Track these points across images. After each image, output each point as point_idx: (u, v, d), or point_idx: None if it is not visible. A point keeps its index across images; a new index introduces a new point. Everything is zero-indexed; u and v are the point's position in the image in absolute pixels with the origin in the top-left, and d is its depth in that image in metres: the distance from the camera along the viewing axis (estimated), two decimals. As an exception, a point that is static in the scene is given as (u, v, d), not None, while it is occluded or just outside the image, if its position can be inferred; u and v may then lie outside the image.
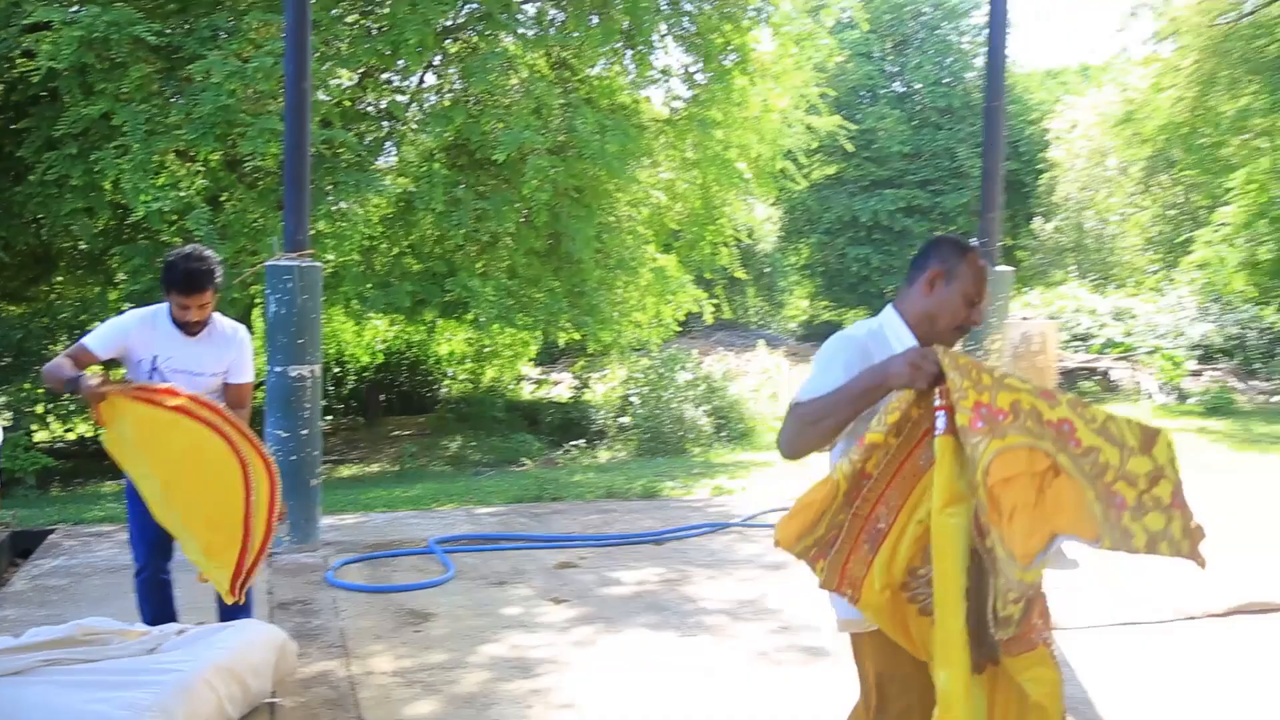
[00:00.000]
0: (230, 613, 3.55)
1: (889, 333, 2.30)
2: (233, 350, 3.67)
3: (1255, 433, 11.73)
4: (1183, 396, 13.77)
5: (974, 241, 8.17)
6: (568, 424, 11.92)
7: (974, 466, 1.99)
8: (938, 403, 2.07)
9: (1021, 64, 28.02)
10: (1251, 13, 15.08)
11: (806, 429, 2.17)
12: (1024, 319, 6.05)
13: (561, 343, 12.48)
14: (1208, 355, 15.73)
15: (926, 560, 2.09)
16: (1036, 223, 24.68)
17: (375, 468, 11.30)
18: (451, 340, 13.56)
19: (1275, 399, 14.68)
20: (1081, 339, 15.63)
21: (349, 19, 9.69)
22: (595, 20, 9.94)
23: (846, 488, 2.11)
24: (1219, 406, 13.42)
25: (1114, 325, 15.96)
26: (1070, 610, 4.37)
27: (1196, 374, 15.12)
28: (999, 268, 7.36)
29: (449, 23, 9.89)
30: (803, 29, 11.92)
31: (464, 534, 6.07)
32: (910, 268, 2.36)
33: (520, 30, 10.10)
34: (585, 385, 13.90)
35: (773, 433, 11.47)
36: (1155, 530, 1.90)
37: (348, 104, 9.79)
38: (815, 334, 25.29)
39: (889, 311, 2.35)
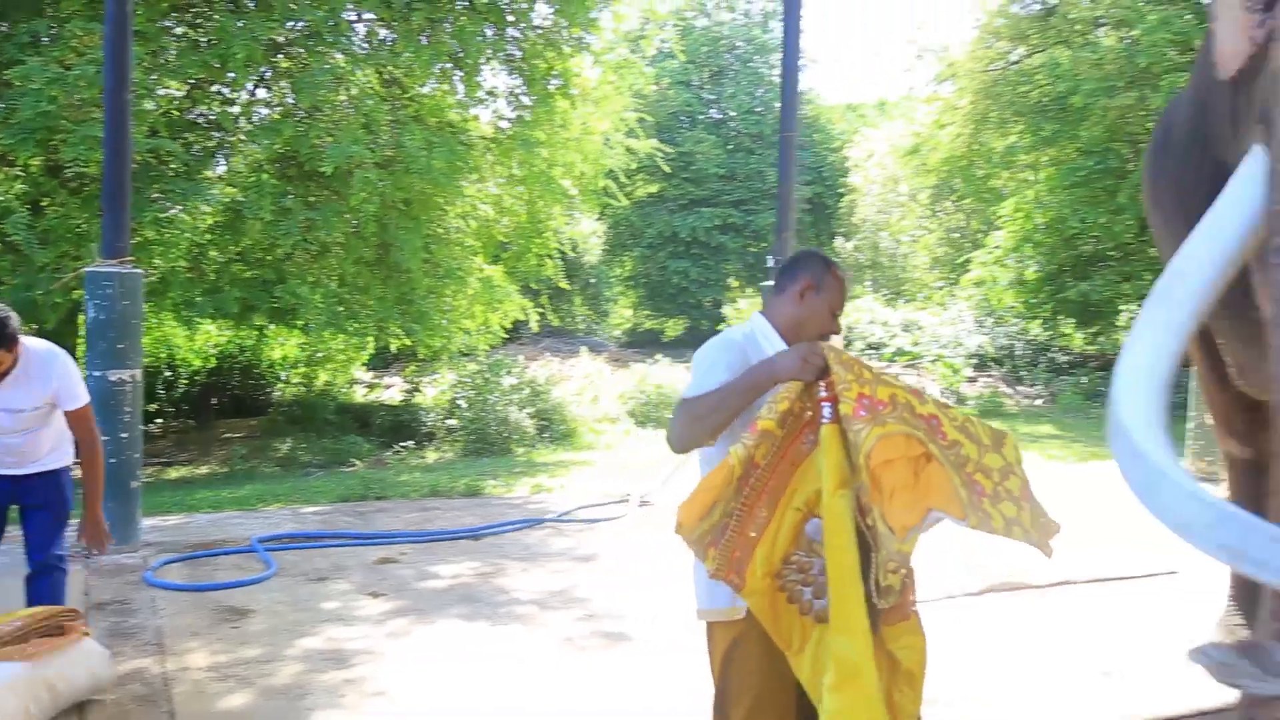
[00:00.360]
0: (38, 601, 3.49)
1: (760, 337, 2.38)
2: (54, 378, 3.44)
3: (1020, 432, 12.88)
4: (960, 400, 14.69)
5: (770, 260, 8.50)
6: (398, 426, 12.03)
7: (857, 451, 2.07)
8: (823, 394, 2.15)
9: (825, 98, 29.80)
10: (1016, 62, 16.52)
11: (696, 423, 2.22)
12: None
13: (394, 348, 12.56)
14: (982, 363, 16.90)
15: (799, 547, 2.14)
16: (838, 242, 26.28)
17: (204, 470, 11.10)
18: (284, 345, 13.42)
19: (1038, 403, 16.03)
20: (874, 347, 16.41)
21: (177, 30, 9.55)
22: (425, 41, 10.12)
23: (740, 472, 2.13)
24: (991, 409, 14.65)
25: (903, 335, 16.77)
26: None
27: (972, 380, 16.28)
28: None
29: (279, 39, 9.85)
30: (622, 58, 12.43)
31: (287, 533, 6.03)
32: (779, 278, 2.47)
33: (351, 48, 10.18)
34: (416, 389, 13.99)
35: (593, 433, 11.92)
36: (1010, 517, 2.02)
37: (176, 114, 9.67)
38: (637, 341, 26.10)
39: (758, 318, 2.45)
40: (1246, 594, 3.69)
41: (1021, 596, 4.93)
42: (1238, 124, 2.48)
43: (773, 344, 2.34)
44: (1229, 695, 2.71)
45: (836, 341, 2.41)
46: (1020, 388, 16.48)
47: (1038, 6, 16.48)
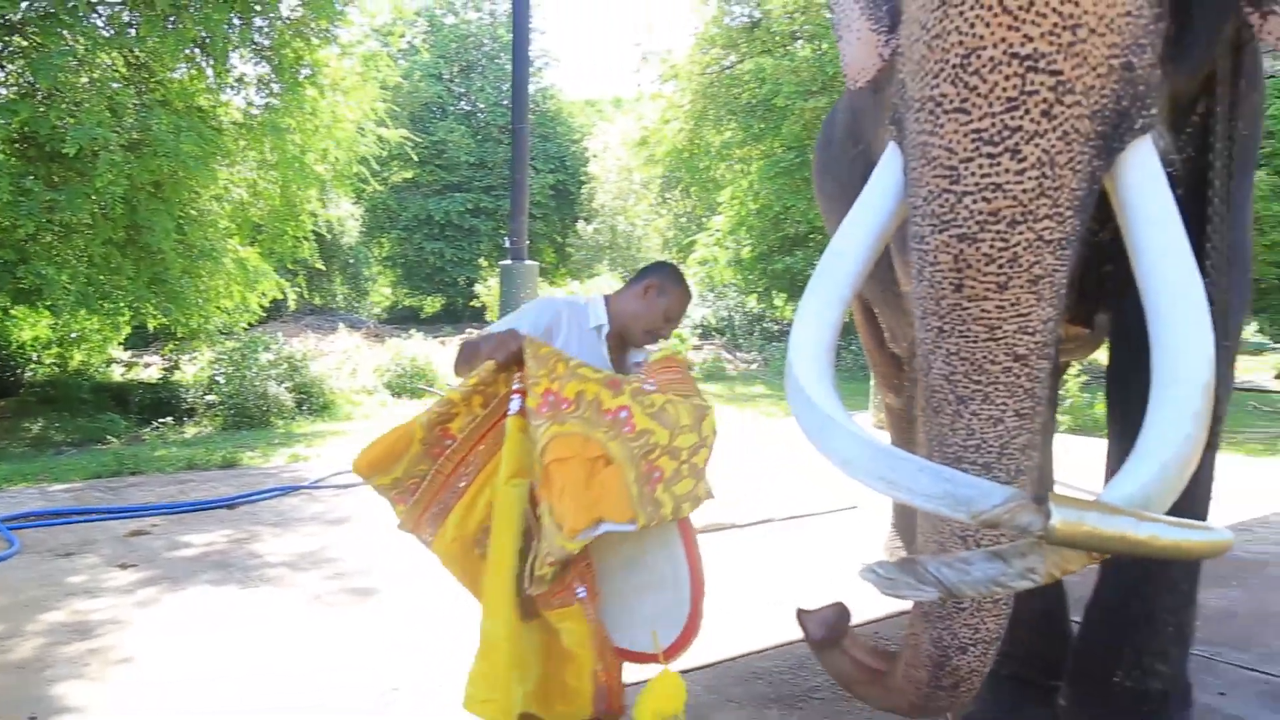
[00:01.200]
0: None
1: (590, 307, 2.52)
2: None
3: (737, 392, 14.45)
4: (687, 367, 16.17)
5: (509, 242, 8.87)
6: (157, 403, 11.83)
7: (534, 445, 2.15)
8: (515, 386, 2.24)
9: (567, 93, 31.07)
10: (729, 67, 17.93)
11: (460, 363, 2.37)
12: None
13: (152, 327, 12.33)
14: (706, 333, 18.32)
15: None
16: (580, 225, 27.53)
17: (-52, 453, 10.43)
18: (36, 326, 12.79)
19: (754, 367, 17.71)
20: (615, 319, 17.53)
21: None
22: (171, 26, 10.05)
23: (423, 436, 2.23)
24: (714, 373, 16.11)
25: None
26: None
27: (698, 348, 17.70)
28: (527, 262, 7.97)
29: (14, 18, 9.57)
30: (371, 51, 12.79)
31: (32, 510, 5.78)
32: (635, 275, 2.64)
33: (96, 31, 9.99)
34: (175, 366, 13.73)
35: (352, 405, 12.31)
36: (682, 494, 2.15)
37: (-97, 93, 9.18)
38: (396, 318, 26.54)
39: (598, 296, 2.59)
40: (904, 520, 4.26)
41: (728, 535, 5.26)
42: (877, 124, 2.71)
43: (598, 317, 2.51)
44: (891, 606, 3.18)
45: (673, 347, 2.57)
46: (739, 354, 17.89)
47: (745, 19, 17.98)
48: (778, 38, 17.49)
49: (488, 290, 19.58)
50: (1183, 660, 2.63)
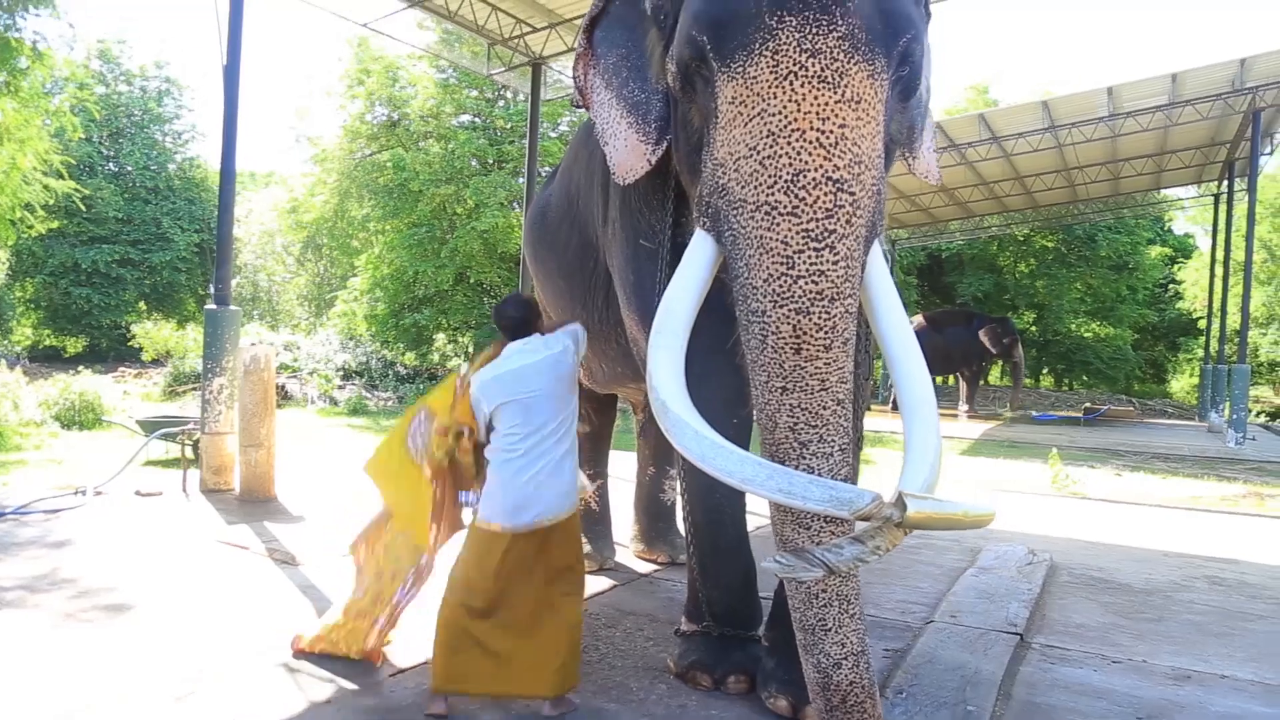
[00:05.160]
0: None
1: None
2: None
3: (382, 425, 14.23)
4: (334, 402, 17.07)
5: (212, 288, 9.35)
6: None
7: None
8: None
9: (212, 164, 31.30)
10: (371, 155, 20.08)
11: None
12: (252, 344, 7.25)
13: None
14: (348, 375, 19.43)
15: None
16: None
17: None
18: None
19: (390, 403, 18.79)
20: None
21: None
22: None
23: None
24: (357, 409, 17.18)
25: (285, 353, 18.61)
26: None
27: (342, 387, 18.50)
28: (231, 308, 7.79)
29: None
30: (50, 107, 13.30)
31: None
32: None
33: None
34: None
35: (21, 436, 12.10)
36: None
37: None
38: (39, 357, 25.93)
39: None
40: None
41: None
42: (651, 210, 3.11)
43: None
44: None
45: None
46: (377, 392, 18.96)
47: (385, 118, 20.33)
48: (414, 135, 19.98)
49: (144, 332, 19.55)
50: None
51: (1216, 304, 19.19)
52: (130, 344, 20.87)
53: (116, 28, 55.75)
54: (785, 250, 2.15)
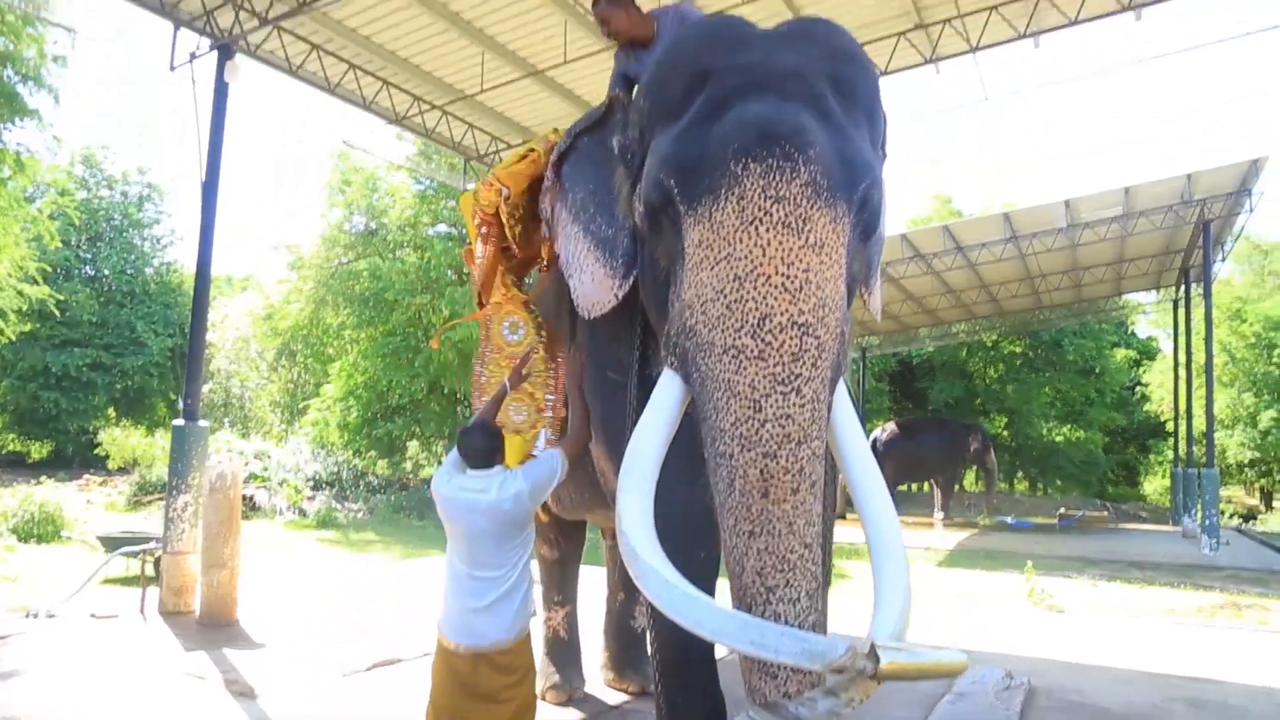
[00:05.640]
0: None
1: None
2: None
3: (352, 539, 14.43)
4: (303, 514, 16.69)
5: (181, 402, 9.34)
6: None
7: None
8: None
9: (188, 269, 31.51)
10: (347, 263, 20.24)
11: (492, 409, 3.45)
12: (219, 461, 7.12)
13: None
14: (318, 485, 19.25)
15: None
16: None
17: None
18: None
19: (360, 515, 18.52)
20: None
21: None
22: None
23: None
24: (326, 521, 16.88)
25: (255, 462, 18.28)
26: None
27: (311, 498, 18.29)
28: (200, 423, 7.66)
29: None
30: (31, 214, 13.49)
31: None
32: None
33: None
34: None
35: None
36: None
37: None
38: (4, 461, 25.41)
39: None
40: (555, 650, 4.85)
41: (399, 668, 5.40)
42: (618, 343, 3.12)
43: None
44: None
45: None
46: (347, 503, 18.63)
47: (362, 229, 20.65)
48: (390, 245, 20.33)
49: (111, 439, 19.29)
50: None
51: (1182, 407, 19.49)
52: (97, 451, 20.53)
53: (100, 136, 56.96)
54: (752, 394, 2.16)
